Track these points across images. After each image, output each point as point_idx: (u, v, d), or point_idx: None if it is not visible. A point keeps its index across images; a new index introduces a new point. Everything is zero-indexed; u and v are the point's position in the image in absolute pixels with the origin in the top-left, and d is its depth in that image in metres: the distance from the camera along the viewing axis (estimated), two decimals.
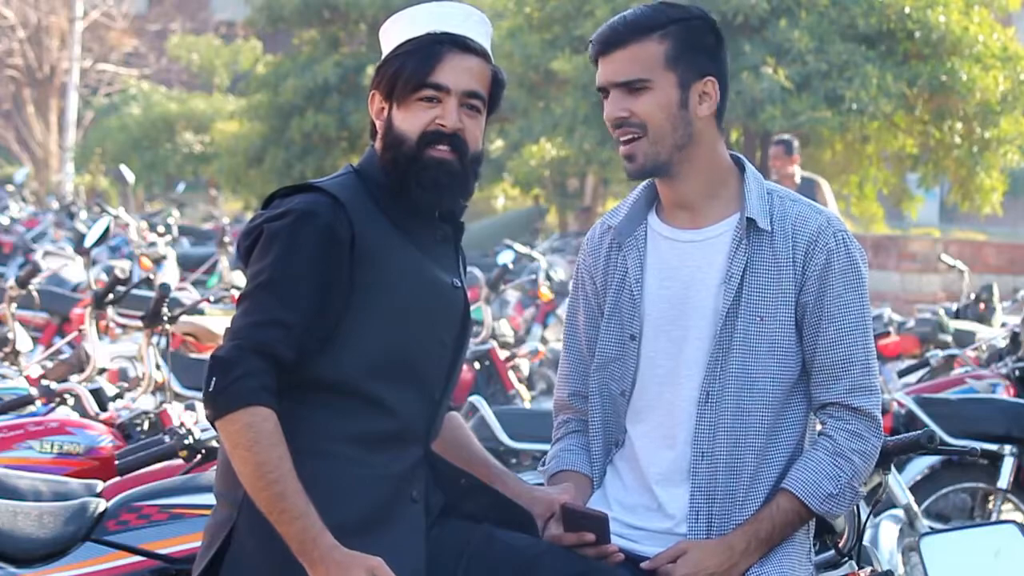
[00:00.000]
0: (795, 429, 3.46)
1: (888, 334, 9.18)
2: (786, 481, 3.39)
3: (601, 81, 3.43)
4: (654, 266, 3.49)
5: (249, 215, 26.09)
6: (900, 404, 6.91)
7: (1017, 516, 6.88)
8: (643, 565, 3.37)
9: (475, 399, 7.48)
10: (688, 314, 3.43)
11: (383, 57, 3.37)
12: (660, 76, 3.39)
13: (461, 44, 3.31)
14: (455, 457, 3.50)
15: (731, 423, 3.39)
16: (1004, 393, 7.50)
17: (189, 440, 4.54)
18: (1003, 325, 10.36)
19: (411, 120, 3.29)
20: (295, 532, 3.10)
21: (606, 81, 3.42)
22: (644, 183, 3.56)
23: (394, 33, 3.35)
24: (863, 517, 3.65)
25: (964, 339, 9.80)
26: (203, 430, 4.60)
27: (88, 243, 8.89)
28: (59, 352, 7.47)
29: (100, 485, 4.43)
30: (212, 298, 8.94)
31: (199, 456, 4.56)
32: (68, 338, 7.38)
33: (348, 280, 3.22)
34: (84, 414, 5.75)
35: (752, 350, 3.39)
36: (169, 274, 12.49)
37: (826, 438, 3.42)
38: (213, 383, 3.14)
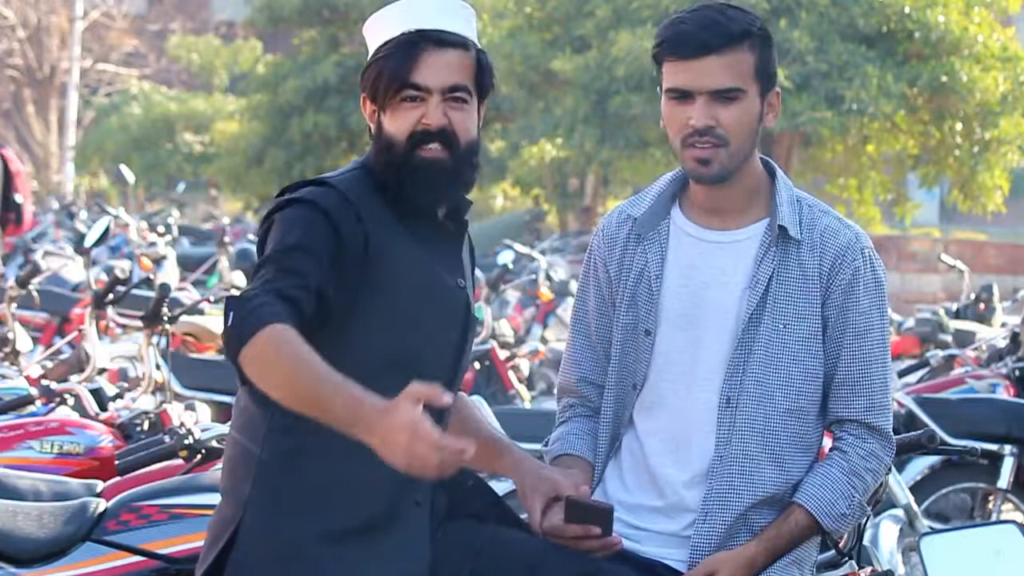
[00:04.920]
0: (815, 440, 3.46)
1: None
2: (801, 496, 3.39)
3: (688, 85, 3.34)
4: (675, 263, 3.47)
5: (249, 215, 26.14)
6: (900, 404, 6.91)
7: (1017, 516, 6.88)
8: None
9: (475, 399, 7.48)
10: (707, 314, 3.42)
11: (367, 59, 3.37)
12: (751, 87, 3.36)
13: (436, 39, 3.28)
14: (461, 432, 3.49)
15: (751, 429, 3.38)
16: (1004, 393, 7.50)
17: (189, 440, 4.54)
18: (1003, 325, 10.37)
19: (398, 122, 3.28)
20: (342, 406, 2.93)
21: (696, 86, 3.34)
22: (671, 176, 3.54)
23: (374, 35, 3.34)
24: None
25: (964, 339, 9.81)
26: (203, 430, 4.60)
27: (88, 243, 8.88)
28: (59, 352, 7.47)
29: (100, 485, 4.43)
30: (212, 298, 8.94)
31: (199, 456, 4.55)
32: (68, 338, 7.38)
33: (356, 273, 3.21)
34: (84, 414, 5.75)
35: (774, 357, 3.38)
36: (169, 274, 12.50)
37: (841, 454, 3.42)
38: (231, 318, 3.04)
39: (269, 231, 3.24)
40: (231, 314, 3.05)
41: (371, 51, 3.34)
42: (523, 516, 3.47)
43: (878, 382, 3.42)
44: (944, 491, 6.94)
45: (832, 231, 3.43)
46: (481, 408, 7.32)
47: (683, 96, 3.36)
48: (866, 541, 3.76)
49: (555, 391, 3.71)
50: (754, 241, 3.43)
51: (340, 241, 3.19)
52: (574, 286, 12.40)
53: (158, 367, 6.33)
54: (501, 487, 3.83)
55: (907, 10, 16.43)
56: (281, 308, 3.03)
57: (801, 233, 3.42)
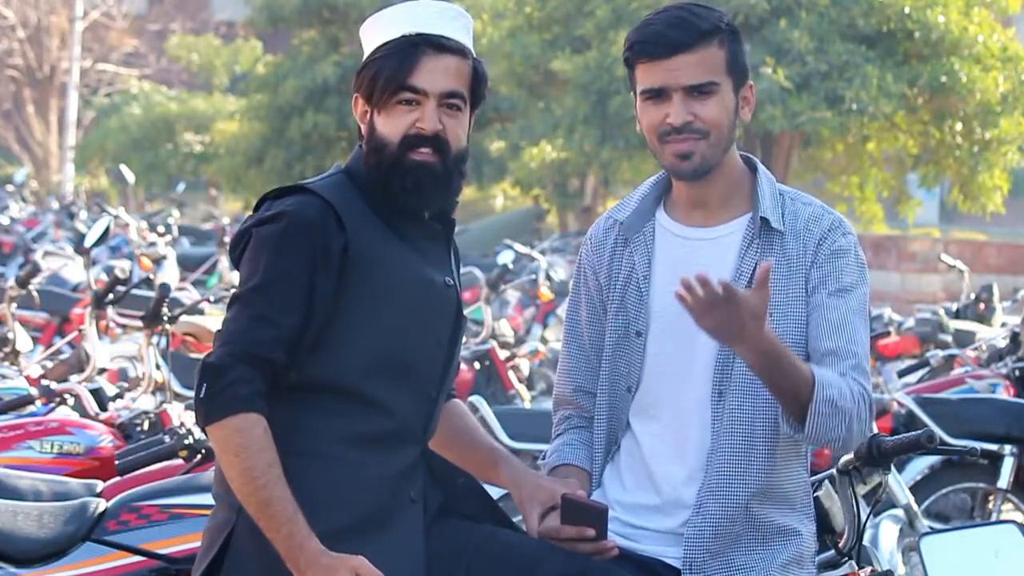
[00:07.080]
0: None
1: (888, 334, 9.18)
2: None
3: (663, 84, 3.38)
4: (662, 263, 3.48)
5: (249, 215, 26.03)
6: (900, 404, 6.92)
7: (1017, 516, 6.88)
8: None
9: (475, 399, 7.48)
10: None
11: (363, 60, 3.37)
12: (724, 80, 3.40)
13: (436, 44, 3.30)
14: (458, 442, 3.51)
15: (741, 421, 3.38)
16: (1004, 393, 7.50)
17: (189, 440, 4.54)
18: (1003, 325, 10.36)
19: (391, 124, 3.30)
20: (282, 538, 3.11)
21: (672, 84, 3.37)
22: (654, 179, 3.57)
23: (371, 36, 3.35)
24: (863, 517, 3.64)
25: (964, 339, 9.81)
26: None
27: (88, 243, 8.88)
28: (59, 352, 7.48)
29: (100, 485, 4.43)
30: (212, 298, 8.95)
31: (199, 456, 4.56)
32: (68, 338, 7.39)
33: (336, 284, 3.23)
34: (84, 414, 5.75)
35: None
36: (169, 274, 12.51)
37: (837, 375, 3.31)
38: (204, 389, 3.15)
39: (246, 248, 3.26)
40: (203, 385, 3.15)
41: (367, 52, 3.35)
42: (516, 519, 3.48)
43: (860, 348, 3.35)
44: (944, 491, 6.94)
45: (816, 217, 3.46)
46: (481, 409, 7.33)
47: (658, 95, 3.39)
48: (866, 541, 3.75)
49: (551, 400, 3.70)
50: (737, 235, 3.45)
51: (320, 254, 3.21)
52: None
53: (158, 367, 6.33)
54: (493, 492, 3.83)
55: (907, 10, 16.43)
56: (252, 387, 3.14)
57: (784, 224, 3.43)
